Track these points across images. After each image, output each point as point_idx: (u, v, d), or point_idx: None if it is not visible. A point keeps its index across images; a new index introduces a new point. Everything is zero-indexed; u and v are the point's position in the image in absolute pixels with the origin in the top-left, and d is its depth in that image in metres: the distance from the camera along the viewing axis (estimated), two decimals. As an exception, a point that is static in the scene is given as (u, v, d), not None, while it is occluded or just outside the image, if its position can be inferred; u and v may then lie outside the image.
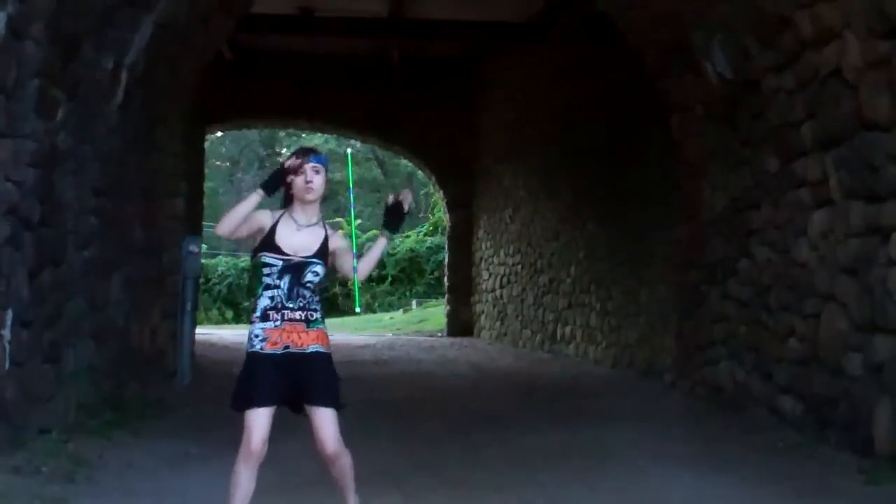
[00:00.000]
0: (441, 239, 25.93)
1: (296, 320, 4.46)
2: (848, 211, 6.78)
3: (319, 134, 30.70)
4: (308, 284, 4.49)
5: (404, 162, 32.46)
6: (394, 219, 4.75)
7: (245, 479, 4.45)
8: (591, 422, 8.63)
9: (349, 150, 4.67)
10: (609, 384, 11.65)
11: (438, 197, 23.27)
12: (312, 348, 4.47)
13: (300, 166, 4.54)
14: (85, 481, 6.00)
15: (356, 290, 4.67)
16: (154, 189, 10.06)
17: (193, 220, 13.59)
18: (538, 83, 16.92)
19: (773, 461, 6.81)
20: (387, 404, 9.83)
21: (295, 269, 4.48)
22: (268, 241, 4.51)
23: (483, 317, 20.06)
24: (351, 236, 4.65)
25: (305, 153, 4.61)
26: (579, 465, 6.75)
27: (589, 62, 14.26)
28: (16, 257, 6.33)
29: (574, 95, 14.96)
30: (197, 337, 12.30)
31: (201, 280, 21.42)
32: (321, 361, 4.49)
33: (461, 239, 21.11)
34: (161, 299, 10.41)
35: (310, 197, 4.54)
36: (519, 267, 17.99)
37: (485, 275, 20.05)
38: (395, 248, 29.75)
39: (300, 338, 4.46)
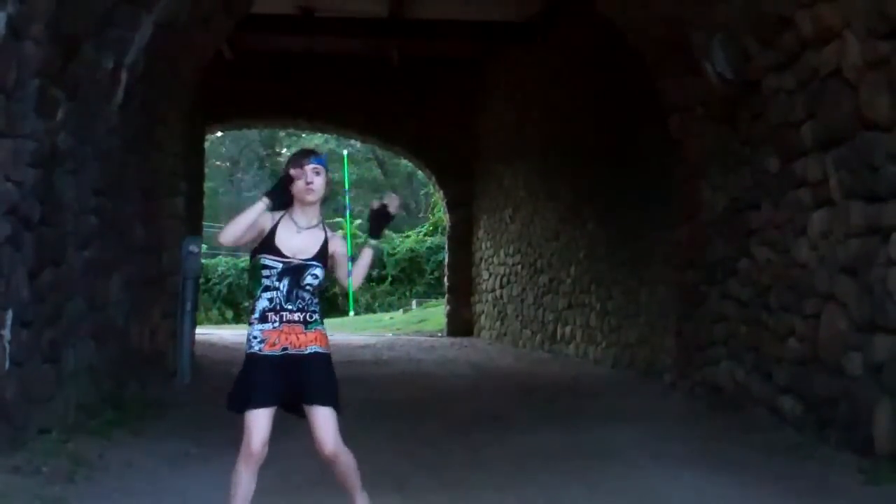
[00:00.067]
0: (441, 239, 25.93)
1: (294, 322, 4.46)
2: (848, 211, 6.78)
3: (319, 134, 30.72)
4: (307, 287, 4.49)
5: (404, 162, 32.45)
6: (379, 223, 4.71)
7: (245, 480, 4.45)
8: (591, 422, 8.63)
9: (346, 152, 4.63)
10: (609, 384, 11.65)
11: (438, 197, 23.27)
12: (311, 349, 4.47)
13: (300, 168, 4.54)
14: (85, 481, 6.01)
15: (350, 294, 4.63)
16: (154, 189, 10.06)
17: (193, 220, 13.60)
18: (538, 83, 16.92)
19: (773, 461, 6.81)
20: (387, 404, 9.83)
21: (294, 272, 4.48)
22: (267, 243, 4.51)
23: (483, 317, 20.06)
24: (347, 237, 4.63)
25: (305, 155, 4.62)
26: (579, 465, 6.75)
27: (589, 62, 14.26)
28: (16, 257, 6.33)
29: (574, 95, 14.96)
30: (197, 337, 12.30)
31: (201, 280, 21.42)
32: (320, 362, 4.49)
33: (461, 239, 21.11)
34: (161, 299, 10.41)
35: (310, 198, 4.54)
36: (519, 267, 18.00)
37: (485, 275, 20.05)
38: (395, 249, 29.76)
39: (298, 339, 4.46)
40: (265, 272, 4.50)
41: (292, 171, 4.53)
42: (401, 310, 26.90)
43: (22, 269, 6.44)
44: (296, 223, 4.55)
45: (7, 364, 6.20)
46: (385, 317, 26.23)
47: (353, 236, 4.66)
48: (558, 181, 15.78)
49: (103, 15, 7.65)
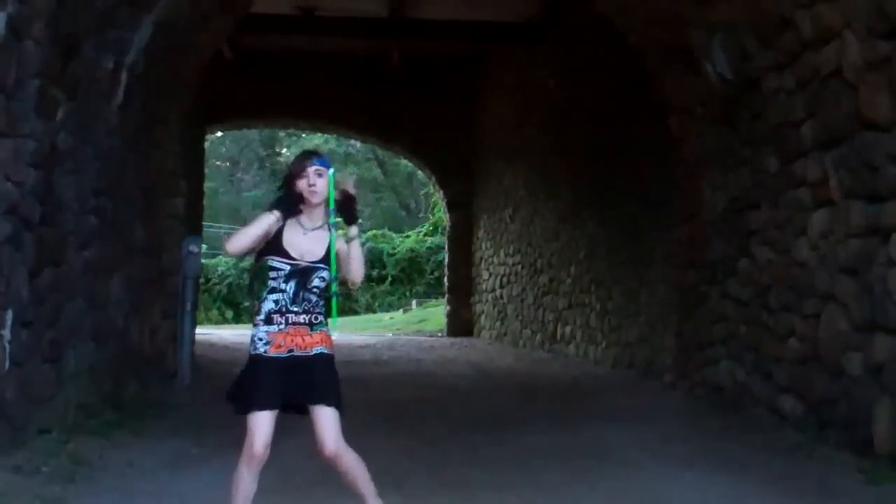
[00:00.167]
0: (441, 239, 25.93)
1: (300, 323, 4.47)
2: (848, 211, 6.78)
3: (319, 134, 30.73)
4: (314, 289, 4.50)
5: (404, 162, 32.46)
6: (348, 209, 4.61)
7: (247, 481, 4.46)
8: (592, 422, 8.63)
9: (332, 170, 4.55)
10: (609, 384, 11.65)
11: (438, 197, 23.27)
12: (316, 350, 4.48)
13: (303, 170, 4.54)
14: (85, 481, 6.01)
15: (334, 301, 4.58)
16: (154, 189, 10.06)
17: (193, 220, 13.60)
18: (538, 83, 16.92)
19: (773, 461, 6.81)
20: (387, 404, 9.83)
21: (302, 274, 4.48)
22: (275, 245, 4.50)
23: (483, 317, 20.06)
24: (331, 260, 4.57)
25: (308, 156, 4.62)
26: (579, 465, 6.75)
27: (589, 62, 14.26)
28: (16, 257, 6.33)
29: (574, 95, 14.96)
30: (197, 337, 12.30)
31: (201, 280, 21.42)
32: (324, 363, 4.49)
33: (461, 239, 21.12)
34: (161, 299, 10.41)
35: (314, 200, 4.55)
36: (519, 267, 18.00)
37: (485, 275, 20.05)
38: (395, 249, 29.77)
39: (304, 340, 4.47)
40: (272, 274, 4.49)
41: (298, 182, 4.53)
42: (401, 310, 26.90)
43: (22, 269, 6.44)
44: (302, 225, 4.55)
45: (7, 364, 6.20)
46: (385, 317, 26.23)
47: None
48: (558, 181, 15.78)
49: (103, 15, 7.65)
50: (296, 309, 4.47)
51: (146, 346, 9.81)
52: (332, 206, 4.52)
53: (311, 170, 4.55)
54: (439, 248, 26.92)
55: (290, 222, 4.54)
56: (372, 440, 7.06)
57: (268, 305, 4.48)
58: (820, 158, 7.20)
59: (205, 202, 17.94)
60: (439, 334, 20.93)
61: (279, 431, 4.54)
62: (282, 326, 4.46)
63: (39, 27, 6.45)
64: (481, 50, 19.29)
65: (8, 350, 6.19)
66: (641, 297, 12.34)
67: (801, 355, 7.55)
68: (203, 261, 16.33)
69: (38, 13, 6.40)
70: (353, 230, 4.58)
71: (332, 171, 4.54)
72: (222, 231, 39.61)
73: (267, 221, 4.48)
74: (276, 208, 4.54)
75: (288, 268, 4.48)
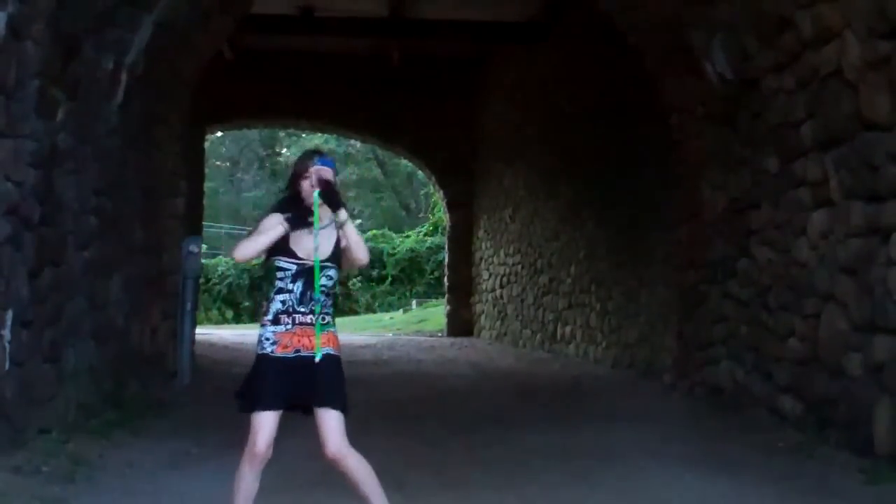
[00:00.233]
0: (441, 239, 25.93)
1: (307, 324, 4.47)
2: (848, 211, 6.78)
3: (319, 134, 30.73)
4: (322, 288, 4.49)
5: (404, 162, 32.46)
6: (331, 198, 4.54)
7: (249, 479, 4.47)
8: (591, 422, 8.63)
9: (316, 192, 4.50)
10: (609, 384, 11.65)
11: (438, 197, 23.27)
12: (323, 351, 4.48)
13: (306, 170, 4.55)
14: (85, 481, 6.01)
15: (316, 225, 4.50)
16: (154, 189, 10.06)
17: (193, 220, 13.62)
18: (538, 83, 16.92)
19: (773, 461, 6.81)
20: (387, 404, 9.83)
21: (309, 274, 4.48)
22: (282, 246, 4.51)
23: (483, 317, 20.06)
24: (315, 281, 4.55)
25: (310, 156, 4.62)
26: (579, 465, 6.75)
27: (589, 62, 14.26)
28: (16, 257, 6.33)
29: (574, 95, 14.96)
30: (197, 337, 12.30)
31: (201, 280, 21.42)
32: (330, 364, 4.49)
33: (461, 239, 21.11)
34: (161, 299, 10.41)
35: None
36: (519, 267, 17.99)
37: (485, 275, 20.05)
38: (395, 249, 29.77)
39: (311, 341, 4.46)
40: (280, 274, 4.50)
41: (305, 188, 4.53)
42: (401, 310, 26.90)
43: (22, 269, 6.44)
44: (308, 222, 4.54)
45: (7, 364, 6.20)
46: (385, 317, 26.22)
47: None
48: (558, 181, 15.78)
49: (103, 15, 7.65)
50: (303, 309, 4.47)
51: (146, 346, 9.81)
52: (316, 227, 4.47)
53: (314, 169, 4.55)
54: (439, 248, 26.91)
55: (299, 220, 4.54)
56: (372, 440, 7.06)
57: (275, 306, 4.49)
58: (820, 158, 7.20)
59: (205, 202, 17.98)
60: (439, 334, 20.92)
61: (280, 431, 4.54)
62: (289, 327, 4.46)
63: (39, 27, 6.45)
64: (481, 50, 19.28)
65: (8, 350, 6.19)
66: (641, 298, 12.34)
67: (801, 355, 7.55)
68: (203, 261, 16.36)
69: (38, 13, 6.40)
70: (342, 214, 4.52)
71: (316, 192, 4.50)
72: (222, 231, 39.67)
73: (276, 233, 4.47)
74: (281, 210, 4.53)
75: (295, 268, 4.48)
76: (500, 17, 16.59)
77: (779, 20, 7.56)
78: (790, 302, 7.74)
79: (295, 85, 19.43)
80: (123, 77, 8.42)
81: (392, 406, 9.79)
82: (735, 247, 8.96)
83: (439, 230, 27.51)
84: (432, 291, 28.33)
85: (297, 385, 4.44)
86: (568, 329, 15.24)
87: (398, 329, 22.94)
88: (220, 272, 30.56)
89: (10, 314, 6.21)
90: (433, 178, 21.85)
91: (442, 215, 24.34)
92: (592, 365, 13.69)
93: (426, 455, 7.13)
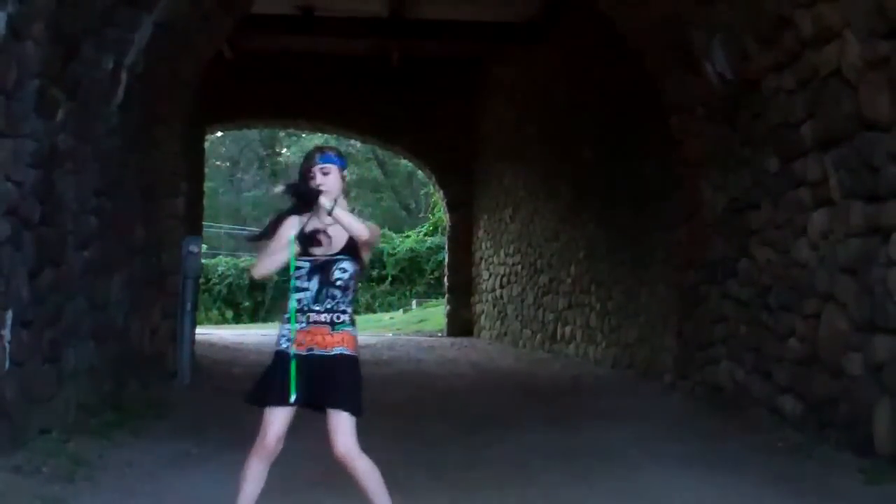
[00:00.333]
0: (441, 239, 25.94)
1: (321, 323, 4.48)
2: (848, 211, 6.78)
3: (319, 134, 30.72)
4: (337, 282, 4.49)
5: (404, 162, 32.47)
6: (303, 194, 4.54)
7: (255, 474, 4.48)
8: (591, 422, 8.64)
9: (292, 234, 4.53)
10: (609, 384, 11.65)
11: (438, 197, 23.27)
12: (336, 350, 4.48)
13: (309, 170, 4.55)
14: (85, 481, 6.00)
15: (292, 266, 4.50)
16: (154, 189, 10.06)
17: (193, 220, 13.58)
18: (538, 83, 16.92)
19: (773, 461, 6.81)
20: (387, 404, 9.82)
21: (322, 269, 4.48)
22: (303, 241, 4.52)
23: (483, 317, 20.06)
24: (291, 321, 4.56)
25: (312, 156, 4.63)
26: (579, 465, 6.75)
27: (589, 62, 14.26)
28: (16, 257, 6.33)
29: (574, 95, 14.96)
30: (197, 337, 12.30)
31: (201, 280, 21.42)
32: (344, 364, 4.49)
33: (461, 239, 21.11)
34: (161, 299, 10.41)
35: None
36: (519, 267, 17.99)
37: (485, 275, 20.05)
38: (395, 249, 29.77)
39: (324, 340, 4.47)
40: (296, 273, 4.51)
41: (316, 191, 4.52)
42: (401, 310, 26.90)
43: (22, 269, 6.44)
44: (322, 222, 4.55)
45: (7, 364, 6.20)
46: (385, 317, 26.23)
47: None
48: (558, 181, 15.78)
49: (103, 15, 7.65)
50: (318, 308, 4.48)
51: (146, 346, 9.81)
52: (292, 268, 4.49)
53: (317, 169, 4.56)
54: (439, 248, 26.92)
55: (312, 221, 4.55)
56: (372, 440, 7.06)
57: (292, 304, 4.51)
58: (820, 158, 7.20)
59: (205, 202, 17.92)
60: (439, 334, 20.93)
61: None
62: (303, 325, 4.48)
63: (39, 27, 6.45)
64: (481, 50, 19.27)
65: (8, 350, 6.19)
66: (641, 298, 12.34)
67: (801, 355, 7.55)
68: (203, 261, 16.35)
69: (38, 13, 6.40)
70: (324, 202, 4.47)
71: (291, 235, 4.50)
72: (222, 231, 39.66)
73: (288, 253, 4.49)
74: (293, 213, 4.55)
75: (308, 265, 4.50)
76: (499, 17, 16.59)
77: (779, 20, 7.56)
78: (790, 302, 7.74)
79: (295, 85, 19.43)
80: (123, 77, 8.42)
81: (392, 406, 9.78)
82: (735, 247, 8.96)
83: (439, 230, 27.51)
84: (432, 291, 28.33)
85: (310, 383, 4.44)
86: (568, 329, 15.24)
87: (398, 329, 22.94)
88: (220, 272, 30.58)
89: (10, 314, 6.21)
90: (433, 178, 21.85)
91: (442, 215, 24.34)
92: (592, 365, 13.69)
93: (426, 455, 7.13)
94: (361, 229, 4.49)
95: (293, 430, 4.93)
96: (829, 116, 7.03)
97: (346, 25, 16.74)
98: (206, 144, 20.69)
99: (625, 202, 12.79)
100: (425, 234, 30.06)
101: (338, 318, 4.49)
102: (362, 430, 4.56)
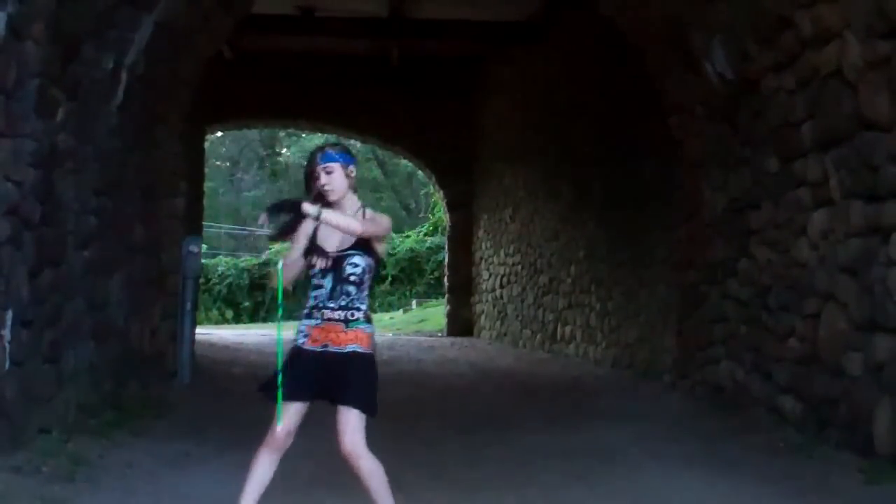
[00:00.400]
0: (441, 239, 25.93)
1: (334, 320, 4.51)
2: (848, 211, 6.78)
3: (319, 134, 30.73)
4: (351, 278, 4.51)
5: (404, 162, 32.46)
6: (289, 211, 4.57)
7: (264, 464, 4.52)
8: (592, 422, 8.64)
9: (280, 265, 4.59)
10: (609, 384, 11.65)
11: (438, 197, 23.27)
12: (350, 348, 4.50)
13: (313, 171, 4.58)
14: (85, 481, 6.00)
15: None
16: (154, 189, 10.06)
17: (193, 220, 13.60)
18: (538, 83, 16.92)
19: (773, 461, 6.81)
20: (387, 404, 9.77)
21: (335, 266, 4.51)
22: (312, 243, 4.55)
23: (483, 317, 20.06)
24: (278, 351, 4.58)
25: (314, 156, 4.65)
26: (579, 465, 6.75)
27: (589, 62, 14.26)
28: (16, 257, 6.33)
29: (574, 95, 14.96)
30: (197, 337, 12.30)
31: (201, 280, 21.43)
32: (357, 362, 4.51)
33: (461, 239, 21.11)
34: (161, 299, 10.41)
35: (331, 198, 4.58)
36: (519, 267, 17.99)
37: (485, 275, 20.05)
38: (395, 248, 29.76)
39: (338, 337, 4.50)
40: (312, 271, 4.54)
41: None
42: (401, 310, 26.89)
43: (22, 269, 6.44)
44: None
45: (7, 364, 6.20)
46: (385, 317, 26.21)
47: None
48: (558, 181, 15.78)
49: (103, 15, 7.65)
50: (332, 305, 4.51)
51: (146, 345, 9.81)
52: (280, 300, 4.55)
53: (320, 169, 4.58)
54: (439, 248, 26.91)
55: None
56: (372, 440, 7.07)
57: (310, 301, 4.56)
58: (820, 158, 7.20)
59: (205, 202, 17.94)
60: (439, 334, 20.92)
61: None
62: (318, 321, 4.52)
63: (39, 27, 6.45)
64: (481, 50, 19.27)
65: (8, 350, 6.19)
66: (641, 298, 12.34)
67: (801, 355, 7.55)
68: (203, 261, 16.34)
69: (38, 13, 6.40)
70: (308, 210, 4.47)
71: (279, 265, 4.55)
72: (222, 231, 39.66)
73: (299, 250, 4.52)
74: (305, 254, 4.58)
75: (322, 263, 4.51)
76: (499, 16, 16.59)
77: (778, 20, 7.56)
78: (790, 302, 7.74)
79: (295, 85, 19.43)
80: (123, 77, 8.42)
81: (392, 406, 9.71)
82: (735, 247, 8.96)
83: (439, 230, 27.51)
84: (432, 291, 28.32)
85: (324, 379, 4.48)
86: (568, 329, 15.24)
87: (398, 329, 22.94)
88: (220, 272, 30.57)
89: (10, 314, 6.21)
90: (433, 179, 21.84)
91: (442, 215, 24.33)
92: (592, 365, 13.69)
93: (426, 455, 7.13)
94: (354, 226, 4.50)
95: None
96: (829, 116, 7.03)
97: (346, 25, 16.73)
98: (206, 144, 20.70)
99: (625, 202, 12.78)
100: (425, 234, 30.05)
101: (352, 315, 4.51)
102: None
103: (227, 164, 43.24)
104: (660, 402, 9.94)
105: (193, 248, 11.12)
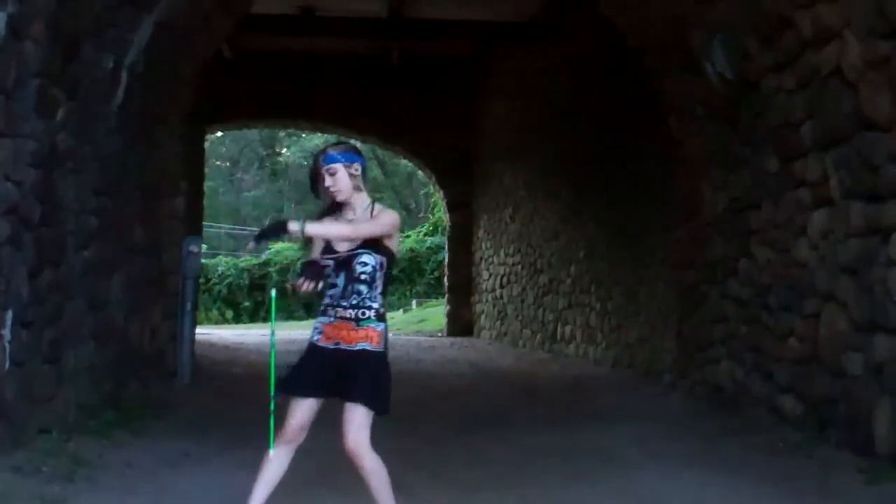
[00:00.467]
0: (441, 239, 25.93)
1: (346, 318, 4.54)
2: (848, 211, 6.78)
3: (319, 134, 30.73)
4: (361, 277, 4.54)
5: (404, 162, 32.45)
6: (275, 233, 4.61)
7: (276, 460, 4.54)
8: (592, 422, 8.64)
9: (273, 292, 4.74)
10: (609, 384, 11.65)
11: (438, 197, 23.26)
12: (360, 346, 4.53)
13: (318, 174, 4.62)
14: (85, 481, 6.00)
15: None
16: (154, 189, 10.06)
17: (193, 220, 13.60)
18: (538, 83, 16.92)
19: (773, 461, 6.81)
20: (387, 404, 9.82)
21: (345, 264, 4.55)
22: (326, 245, 4.60)
23: (483, 317, 20.06)
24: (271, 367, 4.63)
25: (317, 159, 4.67)
26: (579, 465, 6.75)
27: (589, 62, 14.26)
28: (16, 257, 6.33)
29: (574, 95, 14.96)
30: (197, 337, 12.30)
31: (201, 280, 21.42)
32: (367, 359, 4.53)
33: (461, 239, 21.11)
34: (161, 299, 10.41)
35: (338, 199, 4.62)
36: (519, 267, 17.99)
37: (485, 275, 20.05)
38: (394, 248, 29.77)
39: (349, 335, 4.53)
40: (327, 271, 4.59)
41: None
42: (401, 310, 26.89)
43: (22, 269, 6.44)
44: (345, 219, 4.63)
45: (7, 364, 6.20)
46: (385, 317, 26.20)
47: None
48: (558, 181, 15.78)
49: (103, 15, 7.65)
50: (344, 303, 4.55)
51: (146, 345, 9.81)
52: (272, 324, 4.69)
53: (323, 171, 4.61)
54: (439, 248, 26.91)
55: (337, 219, 4.63)
56: (371, 440, 7.07)
57: (325, 299, 4.61)
58: (820, 158, 7.20)
59: (205, 202, 17.94)
60: (439, 334, 20.92)
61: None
62: (331, 319, 4.57)
63: (39, 27, 6.45)
64: (481, 50, 19.27)
65: (8, 350, 6.19)
66: (641, 297, 12.34)
67: (801, 355, 7.55)
68: (203, 261, 16.35)
69: (38, 13, 6.40)
70: (292, 228, 4.45)
71: (273, 292, 4.72)
72: (222, 231, 39.64)
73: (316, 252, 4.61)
74: (325, 215, 4.66)
75: (333, 262, 4.57)
76: (499, 16, 16.58)
77: (779, 20, 7.56)
78: (790, 302, 7.74)
79: (295, 85, 19.43)
80: (123, 77, 8.42)
81: (392, 405, 9.78)
82: (735, 247, 8.96)
83: (439, 230, 27.50)
84: (432, 291, 28.32)
85: (335, 376, 4.51)
86: (568, 329, 15.24)
87: (398, 329, 22.93)
88: (220, 272, 30.56)
89: (10, 314, 6.21)
90: (433, 178, 21.84)
91: (442, 215, 24.33)
92: (592, 365, 13.69)
93: (426, 455, 7.13)
94: (344, 233, 4.56)
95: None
96: (829, 116, 7.03)
97: (346, 25, 16.73)
98: (206, 144, 20.71)
99: (625, 202, 12.78)
100: (425, 234, 30.05)
101: (363, 313, 4.54)
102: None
103: (227, 164, 43.23)
104: (660, 402, 9.94)
105: (193, 248, 11.12)
